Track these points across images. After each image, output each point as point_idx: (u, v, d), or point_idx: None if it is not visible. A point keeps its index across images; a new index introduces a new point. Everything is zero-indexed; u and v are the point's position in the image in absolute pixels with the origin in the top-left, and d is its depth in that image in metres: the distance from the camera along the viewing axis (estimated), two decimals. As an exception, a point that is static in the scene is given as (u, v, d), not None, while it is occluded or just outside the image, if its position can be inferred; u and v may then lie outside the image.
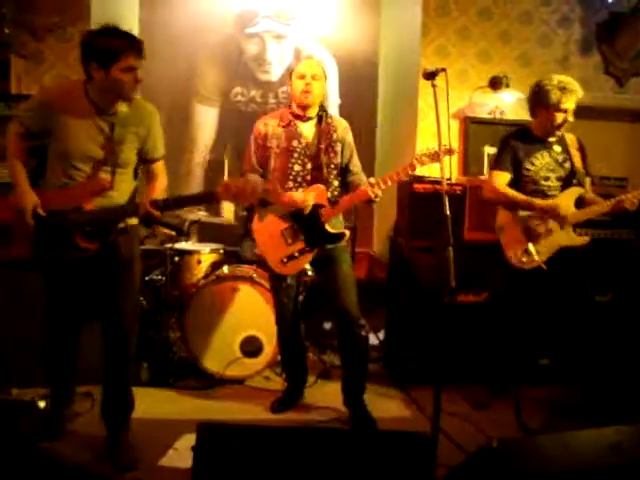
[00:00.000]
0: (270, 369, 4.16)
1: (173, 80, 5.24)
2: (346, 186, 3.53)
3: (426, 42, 5.39)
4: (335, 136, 3.45)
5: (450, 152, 3.08)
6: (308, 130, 3.45)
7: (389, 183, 3.30)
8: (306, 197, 3.36)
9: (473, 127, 5.17)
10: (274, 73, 5.46)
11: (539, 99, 3.50)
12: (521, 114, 5.30)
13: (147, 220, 2.90)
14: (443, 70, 2.76)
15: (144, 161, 3.01)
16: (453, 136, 5.11)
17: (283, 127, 3.44)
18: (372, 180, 3.32)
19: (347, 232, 3.47)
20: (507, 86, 4.97)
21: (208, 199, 2.98)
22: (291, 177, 3.41)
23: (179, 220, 4.47)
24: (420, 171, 5.01)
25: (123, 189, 2.90)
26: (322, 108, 3.49)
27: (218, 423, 1.89)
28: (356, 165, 3.57)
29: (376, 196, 3.29)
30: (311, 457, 1.91)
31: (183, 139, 5.32)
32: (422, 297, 4.08)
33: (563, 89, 3.40)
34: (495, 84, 5.03)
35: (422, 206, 4.07)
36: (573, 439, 1.74)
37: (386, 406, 3.77)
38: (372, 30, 5.45)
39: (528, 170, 3.57)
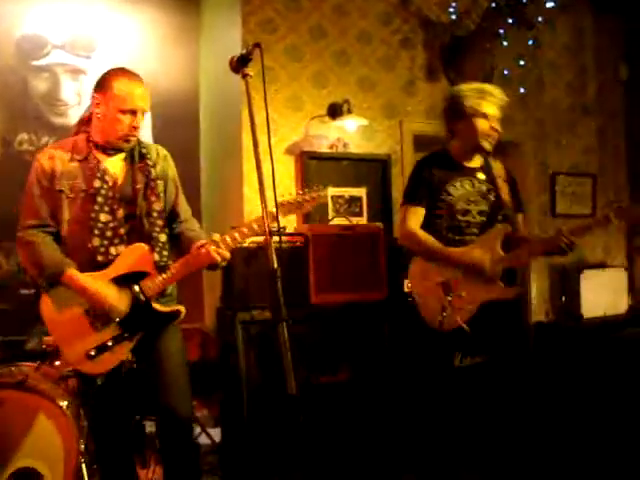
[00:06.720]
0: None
1: None
2: (175, 241, 2.81)
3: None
4: (154, 172, 2.73)
5: (316, 198, 2.76)
6: (115, 165, 2.71)
7: (239, 239, 2.67)
8: (111, 299, 2.59)
9: (312, 164, 4.44)
10: (71, 115, 4.79)
11: (454, 110, 3.10)
12: (366, 146, 4.61)
13: None
14: (257, 46, 2.06)
15: None
16: (288, 175, 4.39)
17: (79, 162, 2.66)
18: (216, 238, 2.65)
19: (182, 309, 2.74)
20: (349, 112, 4.19)
21: None
22: (97, 231, 2.61)
23: None
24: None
25: None
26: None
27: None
28: (185, 209, 2.88)
29: (223, 259, 2.63)
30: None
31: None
32: (260, 386, 3.43)
33: (482, 92, 3.04)
34: (335, 111, 4.26)
35: (252, 266, 3.42)
36: None
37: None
38: (190, 60, 4.99)
39: (443, 202, 3.06)
